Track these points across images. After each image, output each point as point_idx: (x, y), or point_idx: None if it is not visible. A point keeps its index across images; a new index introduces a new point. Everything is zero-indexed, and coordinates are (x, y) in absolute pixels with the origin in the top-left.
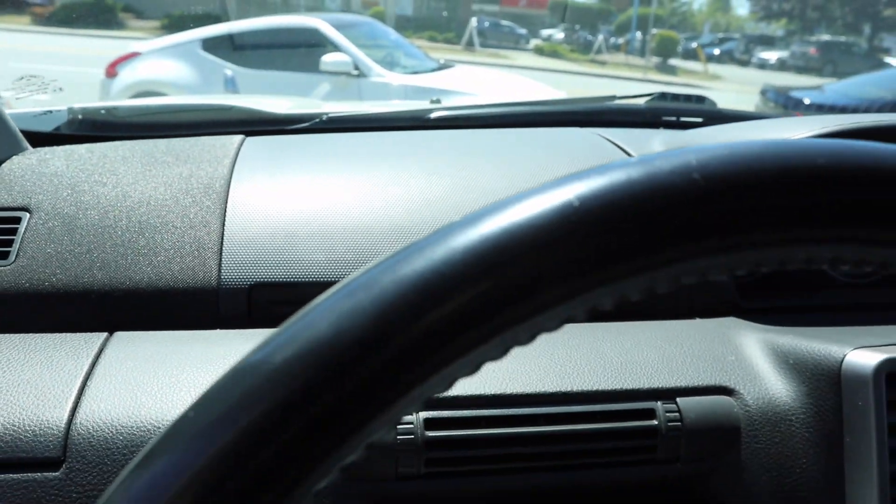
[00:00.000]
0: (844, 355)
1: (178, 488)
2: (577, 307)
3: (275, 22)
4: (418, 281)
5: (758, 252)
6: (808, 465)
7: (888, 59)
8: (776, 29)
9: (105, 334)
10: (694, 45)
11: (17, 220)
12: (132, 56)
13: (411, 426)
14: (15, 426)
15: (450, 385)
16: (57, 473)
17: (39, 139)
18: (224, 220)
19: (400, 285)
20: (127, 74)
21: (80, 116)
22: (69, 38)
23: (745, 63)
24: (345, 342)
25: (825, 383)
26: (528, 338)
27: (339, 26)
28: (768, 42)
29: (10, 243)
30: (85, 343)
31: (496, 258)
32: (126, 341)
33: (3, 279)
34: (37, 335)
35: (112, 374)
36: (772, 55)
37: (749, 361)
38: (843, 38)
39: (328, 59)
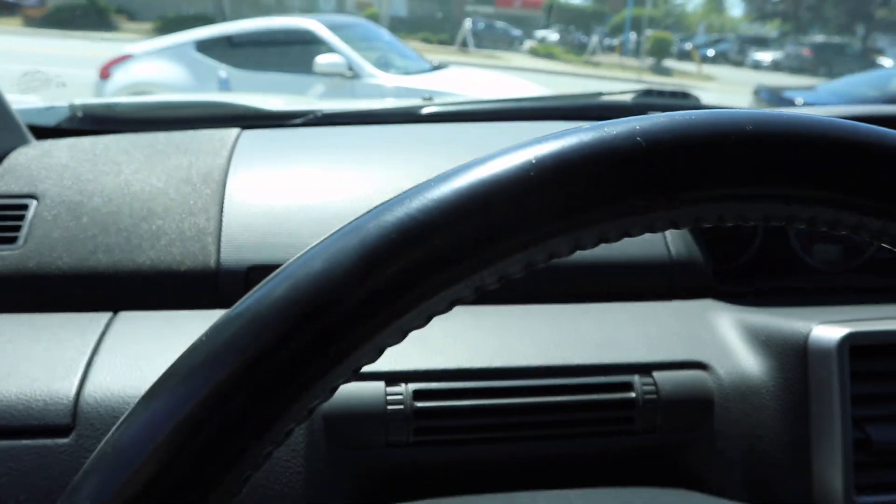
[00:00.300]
0: (810, 330)
1: (168, 428)
2: (537, 253)
3: (269, 23)
4: (401, 225)
5: (695, 207)
6: (776, 434)
7: (881, 60)
8: (770, 30)
9: (110, 314)
10: (689, 46)
11: (25, 207)
12: (126, 58)
13: (400, 397)
14: (26, 396)
15: (427, 320)
16: (66, 440)
17: (42, 133)
18: (222, 206)
19: (384, 228)
20: (121, 76)
21: (81, 112)
22: (62, 40)
23: (739, 64)
24: (338, 275)
25: (793, 357)
26: (494, 280)
27: (333, 27)
28: (762, 43)
29: (18, 228)
30: (91, 322)
31: (468, 207)
32: (130, 320)
33: (13, 262)
34: (45, 314)
35: (117, 349)
36: (766, 56)
37: (722, 338)
38: (836, 39)
39: (322, 60)
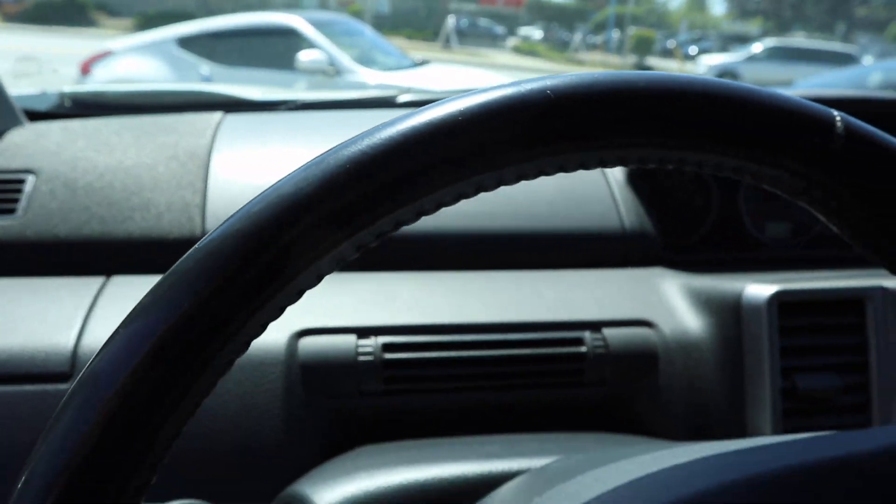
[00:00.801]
0: (744, 289)
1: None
2: (467, 186)
3: (251, 20)
4: (351, 160)
5: (592, 153)
6: (714, 385)
7: (866, 59)
8: (752, 28)
9: (103, 278)
10: (671, 43)
11: (23, 182)
12: (106, 54)
13: (371, 349)
14: (27, 347)
15: (376, 238)
16: (65, 385)
17: (34, 117)
18: (207, 182)
19: (376, 146)
20: (101, 72)
21: (70, 99)
22: (40, 37)
23: None
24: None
25: (729, 314)
26: (433, 207)
27: (315, 24)
28: (744, 41)
29: (16, 201)
30: (86, 285)
31: (416, 143)
32: (122, 284)
33: (12, 231)
34: (43, 278)
35: (110, 308)
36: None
37: (668, 300)
38: (817, 38)
39: (304, 56)
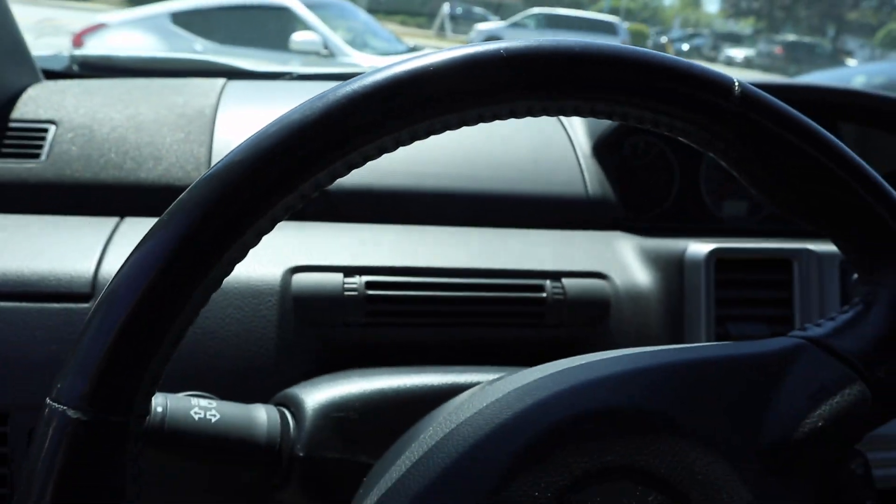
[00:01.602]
0: (687, 246)
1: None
2: (437, 124)
3: None
4: (326, 107)
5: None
6: (658, 331)
7: (849, 62)
8: (744, 27)
9: (118, 218)
10: (664, 39)
11: (46, 130)
12: (99, 27)
13: (355, 286)
14: (52, 271)
15: (347, 169)
16: (86, 305)
17: (49, 76)
18: (212, 136)
19: (335, 102)
20: (94, 45)
21: (81, 61)
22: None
23: (712, 59)
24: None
25: (673, 269)
26: (408, 139)
27: (310, 5)
28: (736, 40)
29: (40, 147)
30: (102, 223)
31: (392, 89)
32: (134, 223)
33: (37, 173)
34: (64, 216)
35: (124, 242)
36: (739, 52)
37: (621, 256)
38: (808, 39)
39: (298, 37)
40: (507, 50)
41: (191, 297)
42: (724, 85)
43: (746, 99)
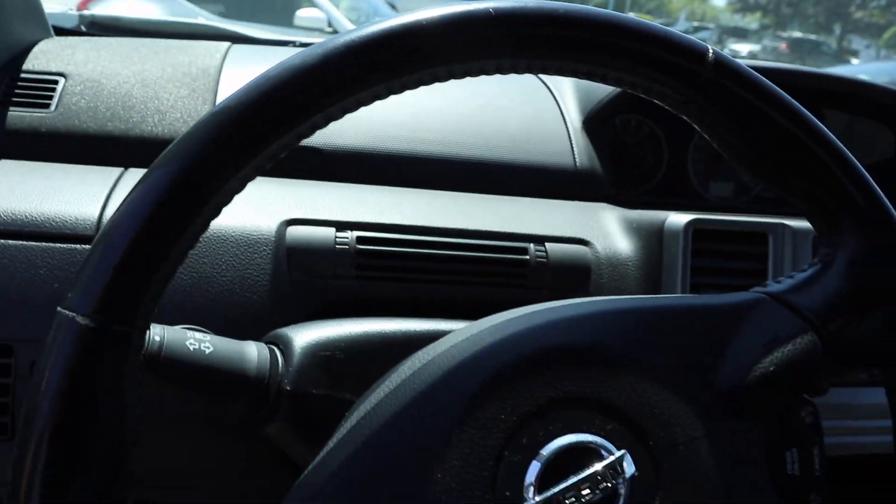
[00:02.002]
0: (667, 217)
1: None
2: (410, 81)
3: None
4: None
5: (535, 60)
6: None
7: (853, 61)
8: (750, 22)
9: (122, 169)
10: None
11: (56, 82)
12: None
13: (347, 240)
14: (56, 213)
15: (343, 113)
16: (89, 246)
17: (59, 33)
18: (216, 94)
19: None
20: (99, 11)
21: (90, 21)
22: None
23: None
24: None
25: (653, 238)
26: (398, 88)
27: None
28: (742, 34)
29: (50, 98)
30: (107, 173)
31: (388, 41)
32: (138, 174)
33: (47, 123)
34: (71, 165)
35: (127, 191)
36: (744, 47)
37: (604, 225)
38: (813, 37)
39: (303, 14)
40: (496, 9)
41: (192, 222)
42: (698, 51)
43: (719, 66)
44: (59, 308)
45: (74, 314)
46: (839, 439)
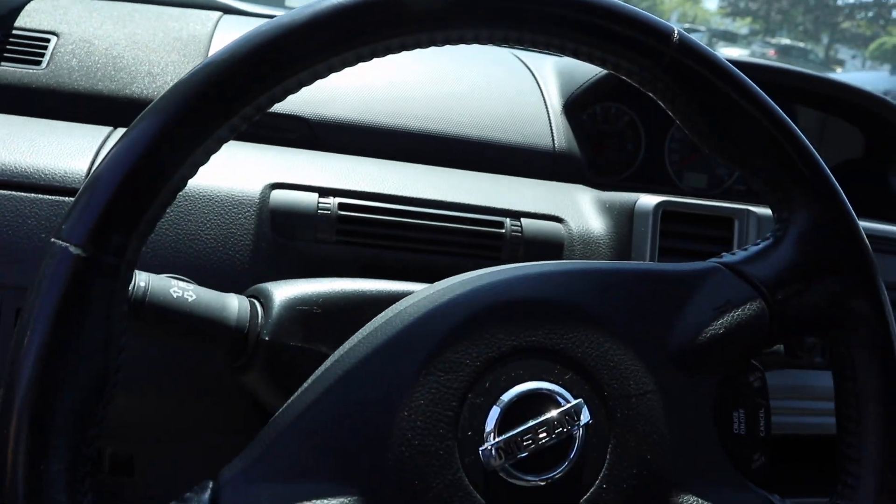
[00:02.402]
0: (638, 198)
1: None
2: (379, 48)
3: None
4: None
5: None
6: None
7: (839, 70)
8: (741, 26)
9: (111, 128)
10: None
11: (48, 40)
12: None
13: (329, 205)
14: (45, 166)
15: (329, 72)
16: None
17: None
18: (205, 59)
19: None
20: None
21: None
22: None
23: None
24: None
25: (624, 217)
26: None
27: None
28: (731, 39)
29: (42, 55)
30: (95, 130)
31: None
32: None
33: (38, 79)
34: (61, 122)
35: None
36: (733, 52)
37: (579, 205)
38: (801, 45)
39: None
40: None
41: (183, 163)
42: (663, 32)
43: (684, 46)
44: (52, 239)
45: (67, 244)
46: (789, 419)
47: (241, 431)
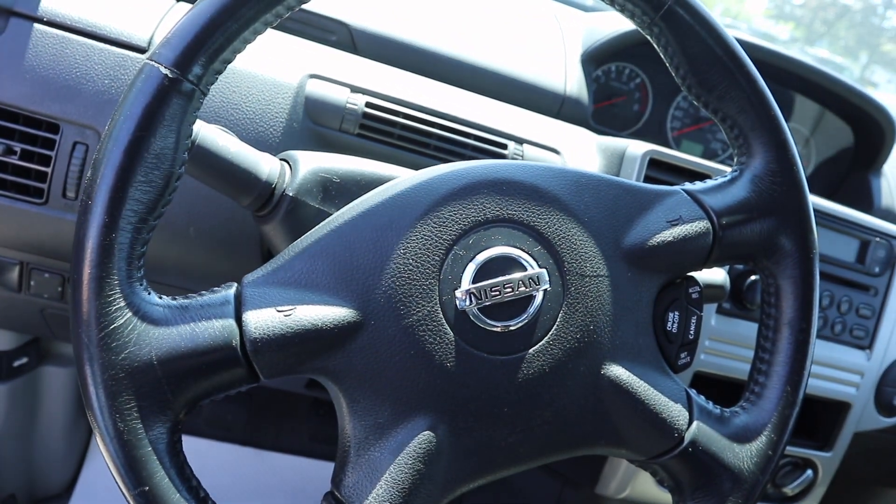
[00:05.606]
0: (628, 145)
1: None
2: None
3: None
4: None
5: None
6: None
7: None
8: (783, 31)
9: (174, 1)
10: None
11: None
12: None
13: (357, 102)
14: (115, 22)
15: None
16: (142, 56)
17: None
18: None
19: None
20: None
21: None
22: None
23: None
24: None
25: (615, 159)
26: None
27: None
28: (769, 41)
29: None
30: (162, 2)
31: None
32: (186, 7)
33: None
34: None
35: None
36: None
37: (578, 143)
38: (839, 59)
39: None
40: None
41: (250, 26)
42: None
43: (683, 1)
44: (145, 59)
45: (160, 65)
46: (717, 360)
47: None
